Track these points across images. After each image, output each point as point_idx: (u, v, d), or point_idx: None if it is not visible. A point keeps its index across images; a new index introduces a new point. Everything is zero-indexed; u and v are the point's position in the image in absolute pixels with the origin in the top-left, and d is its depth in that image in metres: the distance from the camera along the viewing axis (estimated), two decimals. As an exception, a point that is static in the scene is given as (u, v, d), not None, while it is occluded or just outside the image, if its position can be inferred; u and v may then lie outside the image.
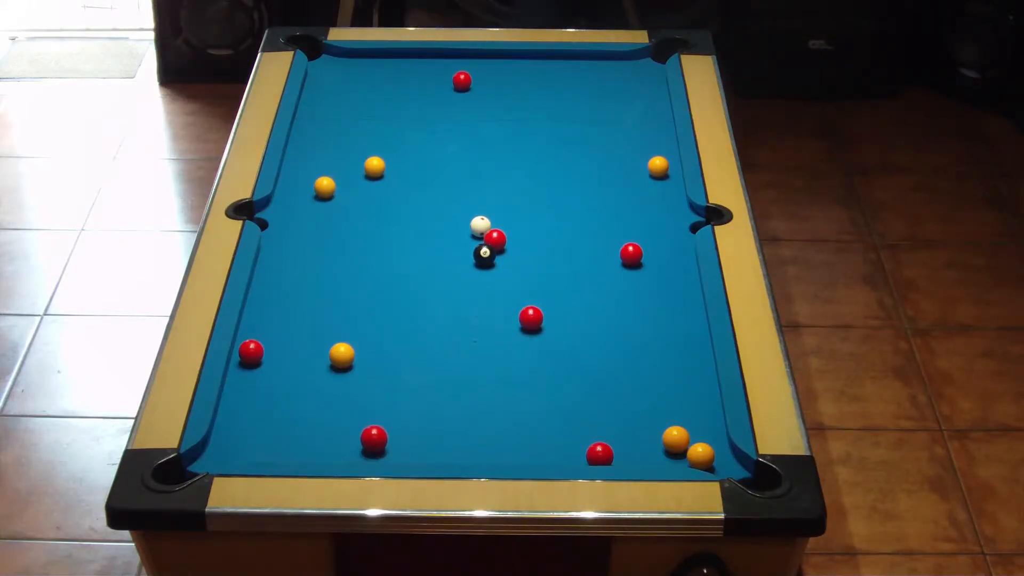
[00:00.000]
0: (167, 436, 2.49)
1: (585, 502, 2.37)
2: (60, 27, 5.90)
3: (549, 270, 3.05)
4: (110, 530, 2.39)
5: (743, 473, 2.46)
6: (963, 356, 4.12)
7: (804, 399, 3.22)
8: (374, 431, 2.53)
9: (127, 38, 5.82)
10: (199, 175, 4.91)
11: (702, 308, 2.89)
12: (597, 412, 2.64)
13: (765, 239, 3.55)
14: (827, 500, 2.40)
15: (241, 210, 3.15)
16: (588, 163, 3.45)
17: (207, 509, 2.34)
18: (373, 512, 2.35)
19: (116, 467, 2.43)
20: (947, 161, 5.08)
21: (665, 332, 2.86)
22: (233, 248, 3.02)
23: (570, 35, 4.13)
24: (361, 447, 2.53)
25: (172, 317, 2.82)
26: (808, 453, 2.47)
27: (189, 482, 2.39)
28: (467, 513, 2.36)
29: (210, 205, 3.17)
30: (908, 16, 5.29)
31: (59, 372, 4.03)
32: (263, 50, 3.83)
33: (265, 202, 3.22)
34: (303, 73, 3.74)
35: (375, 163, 3.36)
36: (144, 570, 2.55)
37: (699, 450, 2.49)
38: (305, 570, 2.42)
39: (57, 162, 5.02)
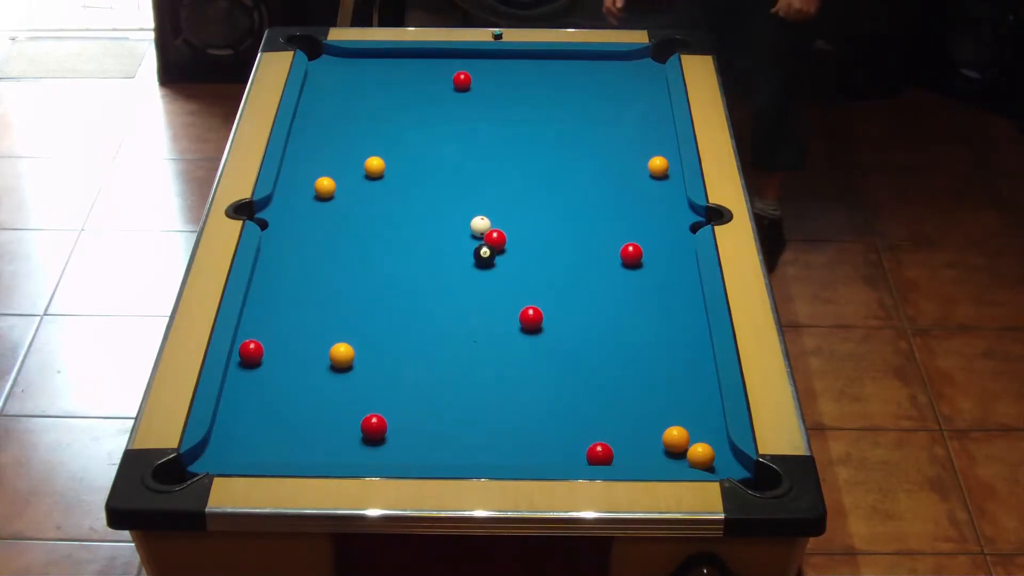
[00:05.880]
0: (167, 436, 2.49)
1: (585, 502, 2.37)
2: (60, 27, 5.90)
3: (549, 270, 3.05)
4: (110, 530, 2.39)
5: (743, 473, 2.46)
6: (963, 356, 4.12)
7: (804, 399, 3.21)
8: (374, 419, 2.54)
9: (127, 38, 5.82)
10: (199, 175, 4.91)
11: (702, 308, 2.89)
12: (597, 412, 2.64)
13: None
14: (827, 500, 2.40)
15: (241, 210, 3.15)
16: (588, 163, 3.44)
17: (207, 509, 2.34)
18: (373, 512, 2.35)
19: (116, 467, 2.43)
20: (947, 161, 5.08)
21: (665, 332, 2.86)
22: (233, 248, 3.02)
23: (570, 35, 4.13)
24: (361, 438, 2.54)
25: (172, 317, 2.82)
26: (808, 453, 2.47)
27: (189, 482, 2.39)
28: (467, 513, 2.36)
29: (210, 205, 3.17)
30: (908, 16, 5.29)
31: (59, 372, 4.03)
32: (263, 50, 3.83)
33: (265, 202, 3.22)
34: (303, 73, 3.74)
35: (375, 163, 3.36)
36: (144, 570, 2.55)
37: (699, 450, 2.49)
38: (305, 570, 2.42)
39: (57, 162, 5.02)
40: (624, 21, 4.24)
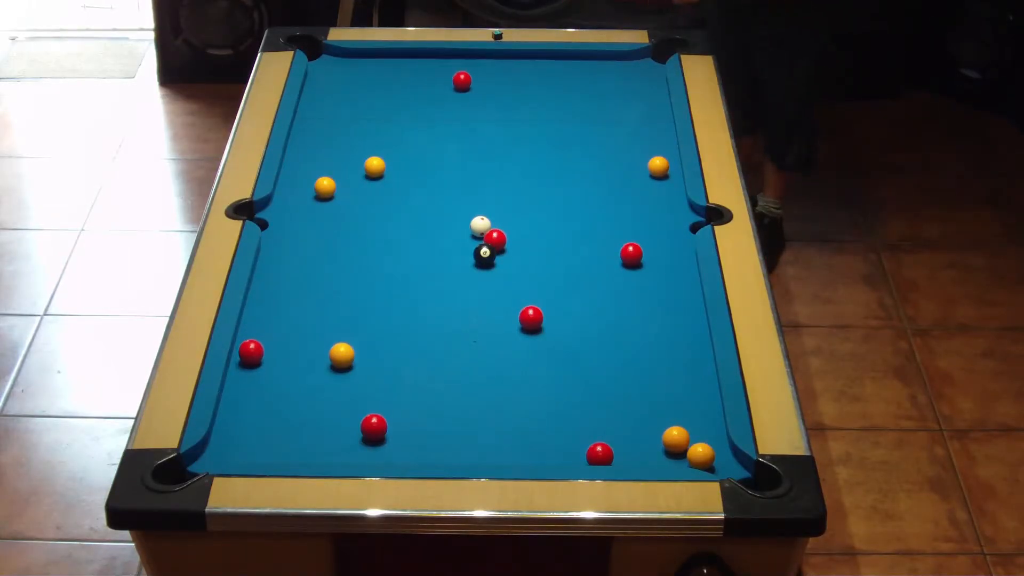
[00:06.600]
0: (167, 436, 2.49)
1: (585, 502, 2.37)
2: (60, 27, 5.91)
3: (549, 270, 3.05)
4: (110, 530, 2.39)
5: (743, 473, 2.46)
6: (963, 356, 4.12)
7: (804, 399, 3.22)
8: (374, 419, 2.54)
9: (127, 38, 5.82)
10: (199, 175, 4.91)
11: (702, 308, 2.89)
12: (597, 412, 2.64)
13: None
14: (827, 500, 2.40)
15: (241, 210, 3.15)
16: (588, 163, 3.44)
17: (207, 509, 2.34)
18: (373, 512, 2.35)
19: (116, 467, 2.43)
20: (947, 161, 5.08)
21: (665, 332, 2.86)
22: (233, 248, 3.02)
23: (570, 35, 4.13)
24: (361, 438, 2.54)
25: (172, 317, 2.82)
26: (808, 453, 2.47)
27: (189, 482, 2.39)
28: (467, 513, 2.36)
29: (210, 205, 3.17)
30: (908, 16, 5.29)
31: (59, 372, 4.03)
32: (263, 50, 3.83)
33: (265, 202, 3.22)
34: (303, 73, 3.74)
35: (375, 163, 3.36)
36: (144, 570, 2.55)
37: (699, 450, 2.49)
38: (305, 570, 2.42)
39: (57, 162, 5.02)
40: (640, 13, 4.27)
